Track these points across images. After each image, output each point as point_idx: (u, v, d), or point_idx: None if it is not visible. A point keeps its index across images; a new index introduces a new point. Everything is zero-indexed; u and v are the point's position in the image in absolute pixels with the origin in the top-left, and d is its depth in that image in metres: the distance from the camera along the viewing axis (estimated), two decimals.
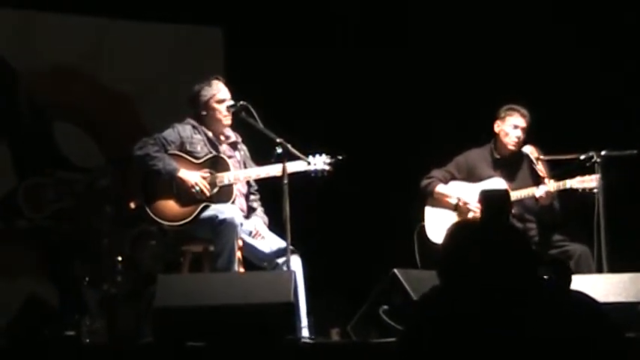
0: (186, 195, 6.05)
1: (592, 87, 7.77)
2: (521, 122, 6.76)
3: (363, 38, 8.43)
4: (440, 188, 6.82)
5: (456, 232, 2.85)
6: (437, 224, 6.69)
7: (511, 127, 6.77)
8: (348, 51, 8.37)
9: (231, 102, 6.17)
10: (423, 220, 6.80)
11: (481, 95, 7.54)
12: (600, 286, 5.48)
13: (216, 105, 6.22)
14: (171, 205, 6.06)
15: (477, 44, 8.13)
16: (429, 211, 6.82)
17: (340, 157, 6.07)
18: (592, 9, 7.92)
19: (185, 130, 6.21)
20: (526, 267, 2.75)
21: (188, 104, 6.29)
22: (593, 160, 6.48)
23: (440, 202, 6.82)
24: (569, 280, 2.76)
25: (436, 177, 6.86)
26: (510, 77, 7.74)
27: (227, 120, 6.23)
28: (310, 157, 6.05)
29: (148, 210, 6.06)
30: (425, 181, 6.87)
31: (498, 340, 2.63)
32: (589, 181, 6.48)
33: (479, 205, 6.52)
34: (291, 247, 5.85)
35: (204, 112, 6.23)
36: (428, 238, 6.69)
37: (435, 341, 2.68)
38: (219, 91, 6.23)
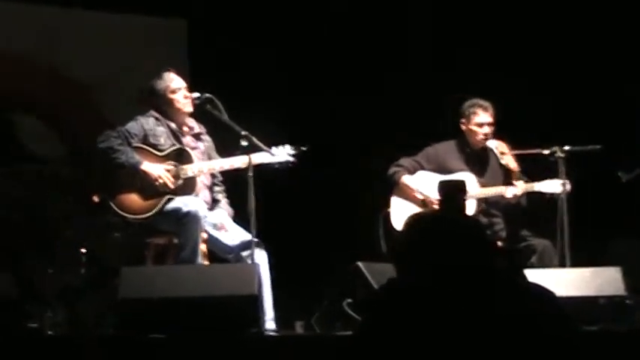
0: (150, 188, 6.02)
1: (558, 82, 7.82)
2: (486, 118, 6.75)
3: (340, 28, 8.42)
4: (406, 179, 6.79)
5: (412, 224, 2.88)
6: (402, 215, 6.63)
7: (477, 125, 6.75)
8: (311, 39, 8.36)
9: (197, 94, 6.15)
10: (389, 206, 6.78)
11: (448, 85, 7.55)
12: (562, 280, 5.53)
13: (172, 95, 6.20)
14: (135, 198, 6.04)
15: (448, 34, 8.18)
16: (395, 201, 6.79)
17: (304, 148, 6.08)
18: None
19: (148, 122, 6.18)
20: (481, 256, 2.77)
21: (146, 102, 6.27)
22: (556, 155, 6.51)
23: (406, 194, 6.80)
24: (520, 269, 2.80)
25: (404, 166, 6.81)
26: (478, 68, 7.79)
27: (187, 107, 6.20)
28: (274, 148, 6.04)
29: (111, 203, 6.03)
30: (392, 169, 6.84)
31: (454, 331, 2.65)
32: (555, 186, 6.51)
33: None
34: (256, 240, 5.84)
35: (163, 106, 6.22)
36: (392, 227, 6.68)
37: (389, 335, 2.70)
38: (172, 81, 6.22)
